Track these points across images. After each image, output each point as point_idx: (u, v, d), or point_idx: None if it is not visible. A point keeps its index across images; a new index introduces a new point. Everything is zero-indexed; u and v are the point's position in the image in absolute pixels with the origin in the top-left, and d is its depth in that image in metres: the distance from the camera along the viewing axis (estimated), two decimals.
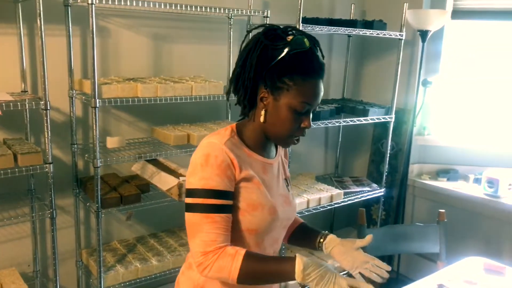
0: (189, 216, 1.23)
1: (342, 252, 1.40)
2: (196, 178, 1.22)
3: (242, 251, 1.20)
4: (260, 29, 1.27)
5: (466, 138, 3.32)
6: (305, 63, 1.23)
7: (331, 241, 1.44)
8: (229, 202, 1.24)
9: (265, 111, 1.27)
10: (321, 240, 1.45)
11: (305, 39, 1.23)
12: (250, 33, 1.32)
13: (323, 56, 1.28)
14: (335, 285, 1.14)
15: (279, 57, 1.21)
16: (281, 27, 1.27)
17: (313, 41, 1.26)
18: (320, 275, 1.15)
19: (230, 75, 1.34)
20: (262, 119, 1.27)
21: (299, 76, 1.22)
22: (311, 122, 1.29)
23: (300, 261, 1.16)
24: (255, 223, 1.27)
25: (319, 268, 1.15)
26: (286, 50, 1.21)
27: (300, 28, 2.51)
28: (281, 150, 1.47)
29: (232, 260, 1.18)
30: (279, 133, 1.28)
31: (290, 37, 1.22)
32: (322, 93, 1.27)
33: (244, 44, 1.29)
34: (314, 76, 1.24)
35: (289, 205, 1.39)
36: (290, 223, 1.44)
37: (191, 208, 1.23)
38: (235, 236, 1.27)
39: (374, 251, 2.24)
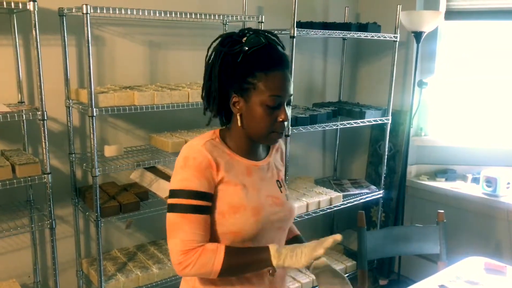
0: (169, 216, 1.27)
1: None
2: (177, 179, 1.27)
3: (222, 246, 1.24)
4: (218, 40, 1.31)
5: (464, 138, 3.33)
6: (263, 58, 1.25)
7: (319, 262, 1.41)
8: (207, 203, 1.26)
9: (240, 115, 1.30)
10: None
11: (260, 36, 1.26)
12: (210, 48, 1.32)
13: (283, 48, 1.31)
14: (303, 254, 1.21)
15: (239, 60, 1.25)
16: (237, 31, 1.30)
17: (270, 36, 1.28)
18: (290, 249, 1.23)
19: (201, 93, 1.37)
20: (239, 123, 1.31)
21: (261, 72, 1.25)
22: (288, 114, 1.30)
23: (273, 249, 1.23)
24: (237, 225, 1.27)
25: (288, 247, 1.24)
26: (243, 51, 1.25)
27: (295, 33, 2.52)
28: (275, 153, 1.47)
29: (214, 255, 1.22)
30: (259, 132, 1.30)
31: (245, 38, 1.25)
32: (290, 83, 1.28)
33: (206, 59, 1.32)
34: (276, 67, 1.25)
35: (280, 206, 1.36)
36: (288, 225, 1.42)
37: (172, 208, 1.27)
38: (222, 240, 1.28)
39: (375, 254, 2.26)
